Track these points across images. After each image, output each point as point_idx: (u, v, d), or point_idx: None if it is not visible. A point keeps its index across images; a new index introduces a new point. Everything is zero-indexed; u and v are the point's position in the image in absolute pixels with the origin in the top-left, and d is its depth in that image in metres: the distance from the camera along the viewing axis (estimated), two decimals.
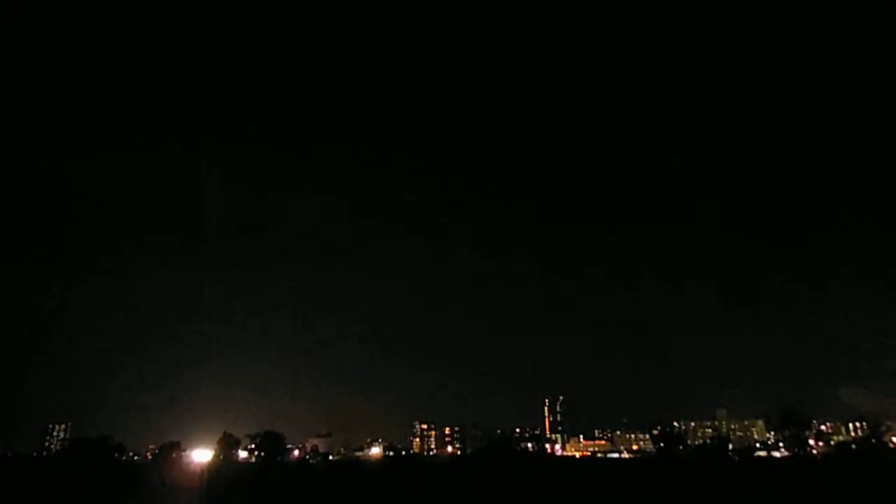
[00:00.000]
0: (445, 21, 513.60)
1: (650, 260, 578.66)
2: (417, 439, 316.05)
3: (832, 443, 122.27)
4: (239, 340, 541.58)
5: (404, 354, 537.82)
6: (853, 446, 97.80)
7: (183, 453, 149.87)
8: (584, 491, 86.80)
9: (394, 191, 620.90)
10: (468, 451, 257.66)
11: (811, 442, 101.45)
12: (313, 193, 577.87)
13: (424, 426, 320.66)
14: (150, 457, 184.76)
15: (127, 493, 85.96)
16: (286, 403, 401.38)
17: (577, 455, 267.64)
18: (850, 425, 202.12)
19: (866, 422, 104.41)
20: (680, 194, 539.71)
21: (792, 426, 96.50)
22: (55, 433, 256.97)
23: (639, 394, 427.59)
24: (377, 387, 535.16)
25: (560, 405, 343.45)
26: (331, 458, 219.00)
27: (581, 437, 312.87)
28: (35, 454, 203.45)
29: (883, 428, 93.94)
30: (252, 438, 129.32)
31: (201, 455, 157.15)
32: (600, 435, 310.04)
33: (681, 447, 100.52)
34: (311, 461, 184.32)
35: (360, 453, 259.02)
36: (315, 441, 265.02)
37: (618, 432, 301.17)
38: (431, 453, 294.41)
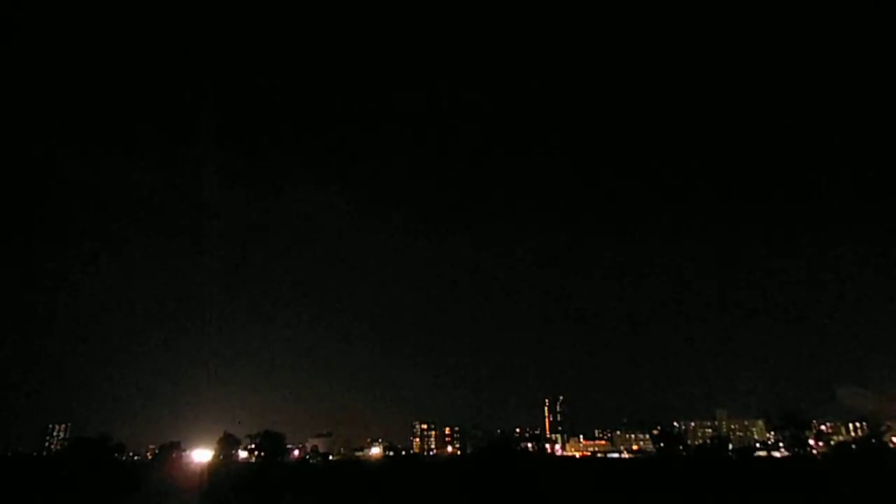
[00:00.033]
0: (445, 21, 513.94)
1: (650, 260, 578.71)
2: (417, 439, 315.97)
3: (832, 443, 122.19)
4: (239, 340, 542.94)
5: (404, 354, 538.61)
6: (853, 446, 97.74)
7: (183, 453, 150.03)
8: (585, 491, 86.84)
9: (394, 191, 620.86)
10: (468, 451, 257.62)
11: (811, 442, 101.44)
12: (313, 193, 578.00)
13: (424, 426, 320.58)
14: (150, 457, 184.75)
15: (127, 493, 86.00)
16: (286, 403, 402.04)
17: (577, 455, 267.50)
18: (850, 425, 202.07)
19: (866, 422, 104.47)
20: (680, 194, 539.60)
21: (792, 426, 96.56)
22: (55, 433, 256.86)
23: (639, 394, 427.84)
24: (377, 387, 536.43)
25: (560, 405, 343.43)
26: (331, 458, 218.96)
27: (581, 437, 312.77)
28: (35, 454, 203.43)
29: (883, 428, 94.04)
30: (252, 438, 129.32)
31: (201, 455, 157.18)
32: (600, 435, 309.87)
33: (681, 447, 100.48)
34: (311, 461, 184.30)
35: (360, 453, 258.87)
36: (315, 441, 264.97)
37: (618, 432, 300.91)
38: (431, 453, 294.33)
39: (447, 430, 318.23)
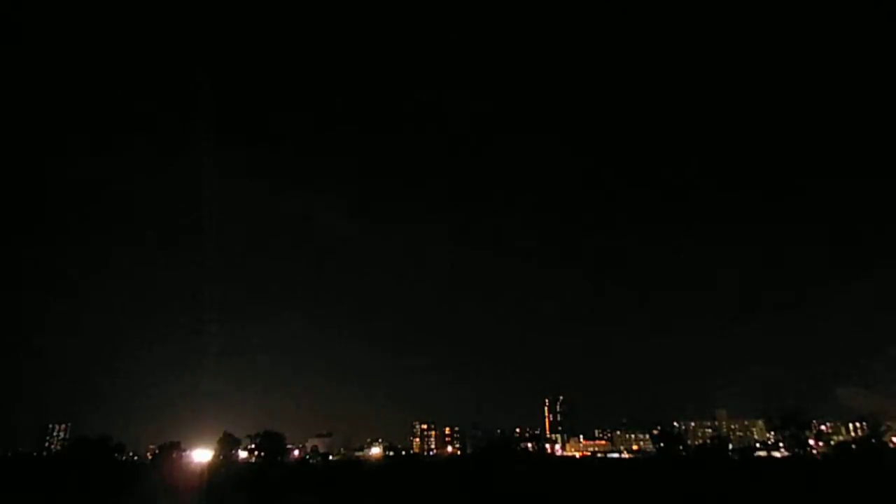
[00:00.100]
0: (444, 21, 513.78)
1: (650, 260, 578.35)
2: (417, 439, 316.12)
3: (832, 443, 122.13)
4: (239, 340, 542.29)
5: (404, 354, 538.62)
6: (853, 446, 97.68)
7: (183, 453, 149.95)
8: (584, 491, 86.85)
9: (393, 191, 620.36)
10: (468, 451, 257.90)
11: (811, 442, 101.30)
12: (313, 193, 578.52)
13: (424, 426, 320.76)
14: (150, 457, 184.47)
15: (127, 493, 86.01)
16: (286, 403, 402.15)
17: (577, 455, 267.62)
18: (850, 425, 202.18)
19: (866, 422, 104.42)
20: (680, 194, 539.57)
21: (792, 426, 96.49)
22: (55, 433, 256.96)
23: (639, 394, 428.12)
24: (377, 387, 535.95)
25: (560, 405, 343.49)
26: (331, 458, 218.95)
27: (581, 437, 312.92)
28: (35, 454, 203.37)
29: (883, 428, 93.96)
30: (252, 438, 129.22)
31: (201, 455, 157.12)
32: (600, 435, 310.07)
33: (681, 447, 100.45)
34: (311, 461, 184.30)
35: (360, 453, 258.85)
36: (315, 441, 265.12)
37: (618, 432, 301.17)
38: (431, 453, 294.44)
39: (447, 430, 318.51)
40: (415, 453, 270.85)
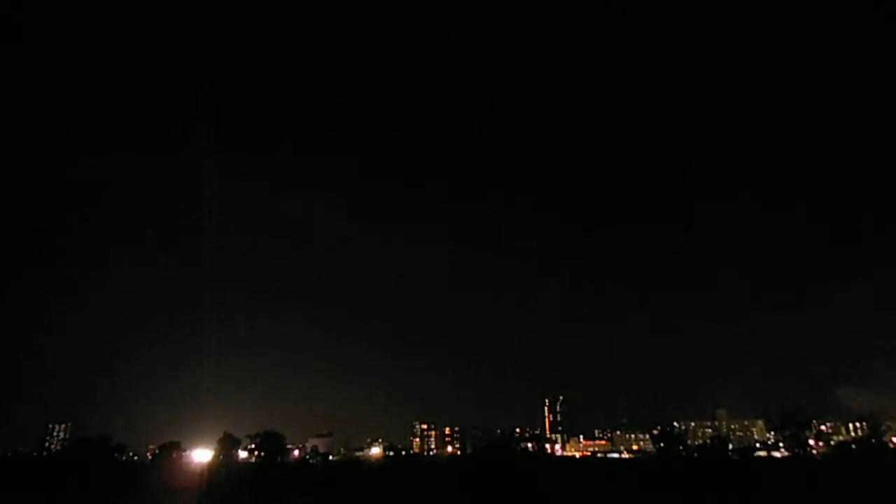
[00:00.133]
0: (445, 21, 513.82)
1: (650, 260, 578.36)
2: (417, 439, 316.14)
3: (832, 443, 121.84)
4: (239, 340, 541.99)
5: (404, 354, 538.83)
6: (853, 446, 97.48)
7: (183, 453, 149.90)
8: (585, 491, 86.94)
9: (393, 191, 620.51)
10: (468, 451, 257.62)
11: (811, 442, 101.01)
12: (313, 193, 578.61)
13: (424, 426, 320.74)
14: (150, 457, 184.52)
15: (127, 493, 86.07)
16: (286, 403, 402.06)
17: (577, 455, 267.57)
18: (850, 425, 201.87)
19: (866, 422, 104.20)
20: (680, 194, 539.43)
21: (792, 426, 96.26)
22: (55, 433, 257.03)
23: (639, 394, 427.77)
24: (377, 387, 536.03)
25: (560, 405, 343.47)
26: (331, 458, 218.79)
27: (581, 437, 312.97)
28: (35, 454, 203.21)
29: (883, 428, 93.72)
30: (252, 438, 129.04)
31: (201, 455, 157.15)
32: (600, 435, 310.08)
33: (681, 447, 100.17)
34: (311, 461, 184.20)
35: (360, 453, 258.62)
36: (315, 441, 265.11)
37: (618, 432, 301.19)
38: (431, 453, 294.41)
39: (447, 430, 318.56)
40: (415, 453, 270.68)
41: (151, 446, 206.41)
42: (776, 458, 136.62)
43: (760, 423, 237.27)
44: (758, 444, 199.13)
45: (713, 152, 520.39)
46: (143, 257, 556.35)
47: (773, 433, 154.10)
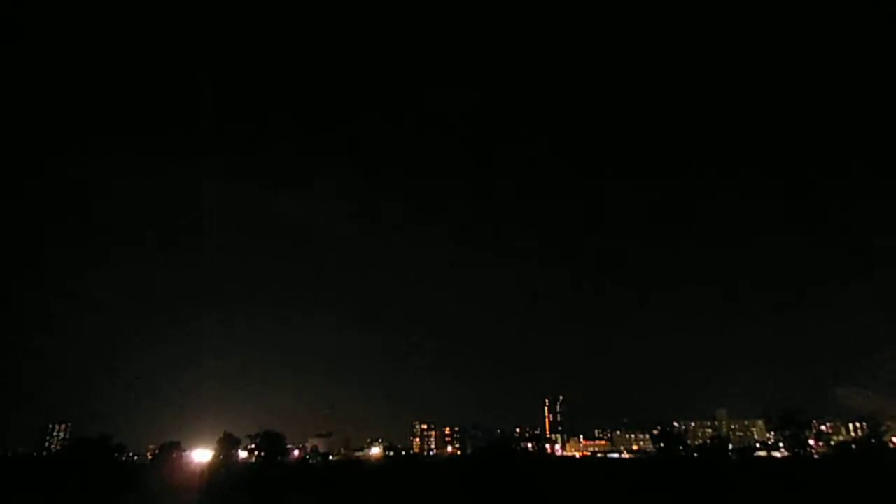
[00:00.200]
0: (446, 21, 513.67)
1: (650, 260, 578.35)
2: (417, 439, 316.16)
3: (832, 443, 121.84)
4: (239, 340, 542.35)
5: (405, 354, 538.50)
6: (853, 446, 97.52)
7: (183, 453, 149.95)
8: (584, 491, 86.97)
9: (393, 191, 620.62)
10: (468, 451, 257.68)
11: (811, 442, 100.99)
12: (314, 193, 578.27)
13: (424, 426, 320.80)
14: (150, 457, 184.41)
15: (127, 494, 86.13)
16: (286, 403, 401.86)
17: (577, 455, 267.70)
18: (850, 425, 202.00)
19: (866, 422, 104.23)
20: (680, 194, 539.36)
21: (792, 426, 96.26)
22: (55, 433, 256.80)
23: (639, 394, 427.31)
24: (377, 387, 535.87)
25: (560, 405, 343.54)
26: (331, 458, 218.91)
27: (581, 437, 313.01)
28: (35, 454, 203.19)
29: (883, 428, 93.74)
30: (252, 438, 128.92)
31: (201, 455, 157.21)
32: (600, 435, 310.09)
33: (681, 447, 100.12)
34: (311, 461, 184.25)
35: (360, 453, 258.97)
36: (315, 441, 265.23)
37: (618, 432, 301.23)
38: (431, 453, 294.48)
39: (447, 430, 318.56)
40: (415, 453, 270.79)
41: (151, 446, 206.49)
42: (776, 458, 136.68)
43: (760, 423, 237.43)
44: (758, 444, 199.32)
45: (713, 152, 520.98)
46: (143, 257, 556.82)
47: (773, 433, 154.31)
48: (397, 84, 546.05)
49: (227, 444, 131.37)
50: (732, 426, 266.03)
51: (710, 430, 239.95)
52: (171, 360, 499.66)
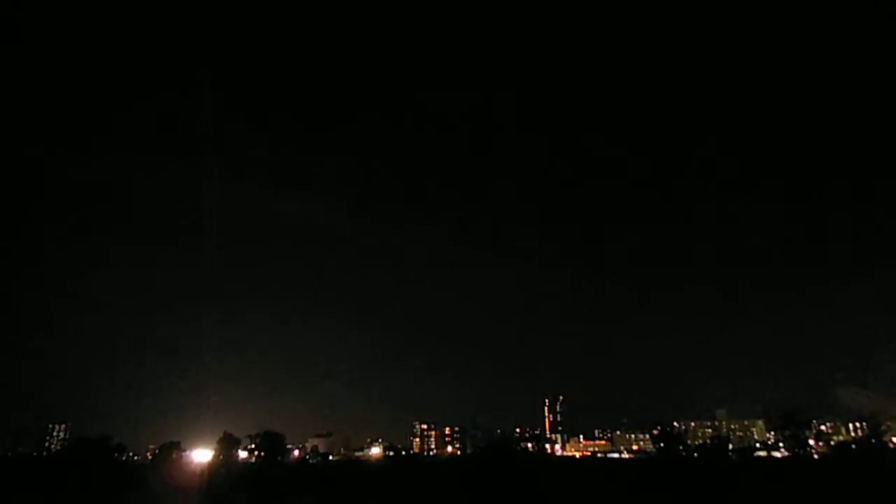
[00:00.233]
0: (445, 21, 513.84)
1: (650, 260, 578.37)
2: (417, 439, 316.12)
3: (832, 443, 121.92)
4: (239, 340, 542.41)
5: (405, 355, 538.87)
6: (853, 446, 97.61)
7: (183, 453, 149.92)
8: (584, 491, 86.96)
9: (393, 191, 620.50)
10: (468, 451, 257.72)
11: (811, 442, 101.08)
12: (314, 193, 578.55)
13: (424, 426, 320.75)
14: (150, 457, 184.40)
15: (127, 493, 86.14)
16: (286, 403, 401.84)
17: (577, 455, 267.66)
18: (850, 425, 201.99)
19: (866, 422, 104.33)
20: (680, 194, 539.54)
21: (792, 426, 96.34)
22: (55, 433, 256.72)
23: (639, 394, 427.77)
24: (377, 387, 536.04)
25: (560, 405, 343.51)
26: (331, 458, 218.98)
27: (581, 437, 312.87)
28: (35, 454, 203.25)
29: (883, 428, 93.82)
30: (252, 438, 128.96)
31: (201, 455, 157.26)
32: (600, 435, 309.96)
33: (681, 447, 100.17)
34: (311, 461, 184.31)
35: (360, 453, 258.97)
36: (315, 441, 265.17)
37: (618, 432, 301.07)
38: (431, 453, 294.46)
39: (447, 430, 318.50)
40: (415, 453, 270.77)
41: (151, 446, 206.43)
42: (776, 458, 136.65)
43: (760, 423, 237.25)
44: (758, 444, 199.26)
45: (713, 153, 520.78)
46: (143, 257, 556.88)
47: (773, 433, 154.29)
48: (397, 84, 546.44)
49: (227, 444, 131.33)
50: (732, 426, 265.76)
51: (710, 430, 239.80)
52: (170, 360, 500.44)
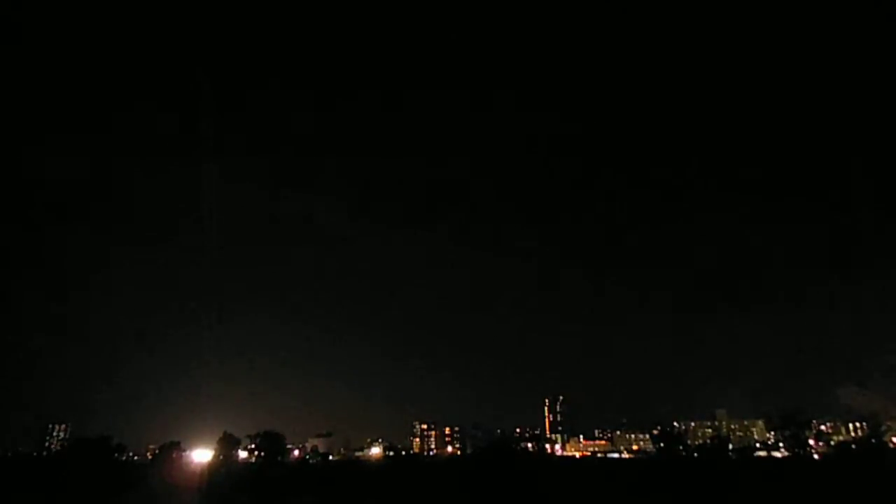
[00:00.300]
0: (445, 21, 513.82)
1: (650, 260, 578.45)
2: (417, 439, 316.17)
3: (832, 443, 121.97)
4: (239, 340, 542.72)
5: (404, 354, 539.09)
6: (853, 446, 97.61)
7: (183, 453, 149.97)
8: (584, 491, 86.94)
9: (393, 191, 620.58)
10: (468, 451, 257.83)
11: (811, 442, 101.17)
12: (313, 193, 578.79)
13: (424, 426, 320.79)
14: (150, 457, 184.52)
15: (127, 493, 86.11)
16: (286, 403, 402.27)
17: (577, 455, 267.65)
18: (850, 425, 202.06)
19: (866, 422, 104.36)
20: (680, 194, 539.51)
21: (792, 426, 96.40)
22: (55, 433, 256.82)
23: (639, 394, 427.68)
24: (377, 387, 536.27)
25: (560, 405, 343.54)
26: (331, 458, 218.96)
27: (581, 437, 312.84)
28: (35, 454, 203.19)
29: (883, 428, 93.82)
30: (252, 438, 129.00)
31: (201, 455, 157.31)
32: (600, 435, 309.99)
33: (681, 447, 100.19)
34: (311, 461, 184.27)
35: (360, 453, 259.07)
36: (315, 441, 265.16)
37: (618, 432, 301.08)
38: (431, 453, 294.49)
39: (447, 430, 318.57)
40: (415, 453, 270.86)
41: (151, 446, 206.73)
42: (776, 458, 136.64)
43: (760, 423, 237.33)
44: (758, 444, 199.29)
45: (713, 152, 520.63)
46: (144, 257, 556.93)
47: (773, 433, 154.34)
48: (397, 84, 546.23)
49: (227, 444, 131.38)
50: (732, 426, 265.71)
51: (710, 430, 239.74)
52: (171, 360, 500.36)
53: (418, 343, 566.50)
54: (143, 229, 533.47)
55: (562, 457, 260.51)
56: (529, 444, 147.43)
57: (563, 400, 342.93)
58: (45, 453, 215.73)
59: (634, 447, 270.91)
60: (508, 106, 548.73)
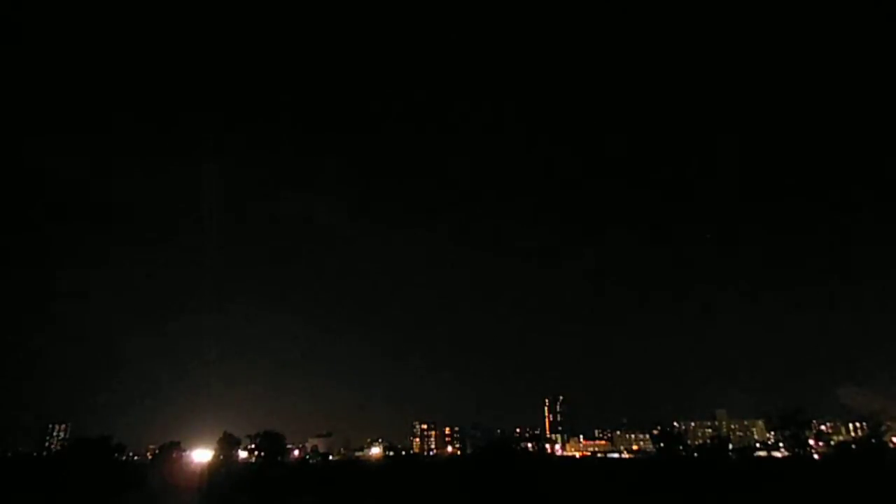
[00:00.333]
0: (445, 21, 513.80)
1: (650, 260, 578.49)
2: (417, 439, 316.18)
3: (832, 443, 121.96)
4: (239, 340, 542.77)
5: (405, 355, 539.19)
6: (853, 446, 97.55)
7: (183, 453, 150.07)
8: (584, 491, 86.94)
9: (393, 191, 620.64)
10: (468, 451, 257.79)
11: (811, 442, 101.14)
12: (314, 193, 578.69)
13: (424, 426, 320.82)
14: (150, 457, 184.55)
15: (127, 493, 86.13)
16: (286, 403, 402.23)
17: (577, 455, 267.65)
18: (850, 425, 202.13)
19: (866, 422, 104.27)
20: (680, 195, 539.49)
21: (792, 426, 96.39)
22: (55, 433, 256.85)
23: (639, 394, 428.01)
24: (377, 387, 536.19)
25: (560, 405, 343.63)
26: (331, 458, 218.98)
27: (581, 437, 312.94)
28: (35, 454, 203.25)
29: (883, 428, 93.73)
30: (252, 438, 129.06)
31: (201, 455, 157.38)
32: (600, 435, 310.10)
33: (681, 447, 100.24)
34: (311, 461, 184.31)
35: (360, 453, 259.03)
36: (315, 441, 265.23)
37: (618, 432, 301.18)
38: (431, 453, 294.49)
39: (447, 430, 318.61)
40: (415, 453, 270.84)
41: (151, 446, 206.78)
42: (776, 458, 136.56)
43: (760, 423, 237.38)
44: (758, 444, 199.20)
45: (713, 152, 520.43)
46: (143, 257, 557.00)
47: (773, 433, 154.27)
48: (397, 84, 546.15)
49: (227, 444, 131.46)
50: (732, 426, 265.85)
51: (710, 430, 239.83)
52: (170, 360, 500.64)
53: (418, 343, 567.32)
54: (143, 229, 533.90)
55: (562, 457, 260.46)
56: (529, 444, 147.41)
57: (563, 400, 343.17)
58: (45, 453, 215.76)
59: (634, 447, 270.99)
60: (509, 105, 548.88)
